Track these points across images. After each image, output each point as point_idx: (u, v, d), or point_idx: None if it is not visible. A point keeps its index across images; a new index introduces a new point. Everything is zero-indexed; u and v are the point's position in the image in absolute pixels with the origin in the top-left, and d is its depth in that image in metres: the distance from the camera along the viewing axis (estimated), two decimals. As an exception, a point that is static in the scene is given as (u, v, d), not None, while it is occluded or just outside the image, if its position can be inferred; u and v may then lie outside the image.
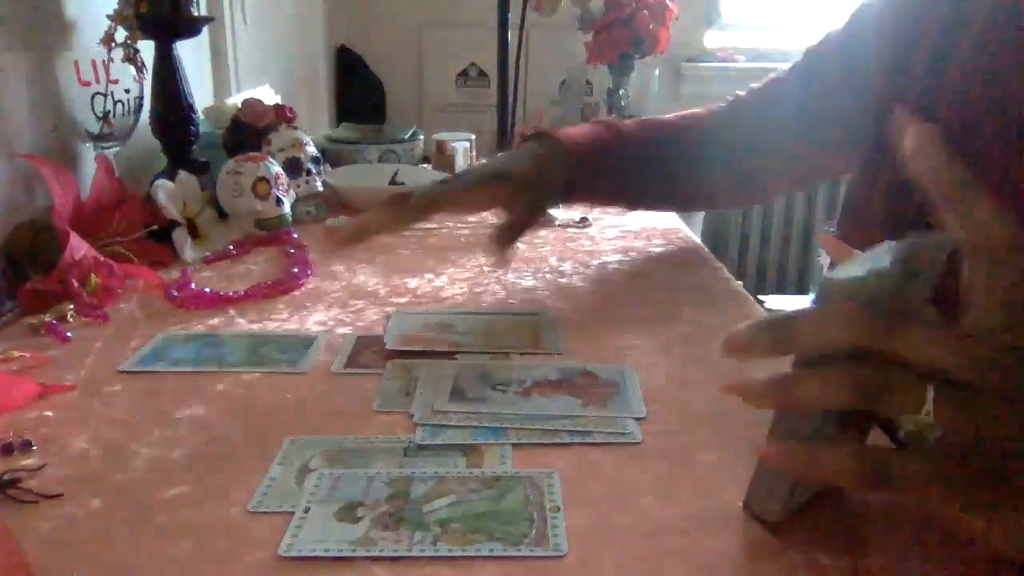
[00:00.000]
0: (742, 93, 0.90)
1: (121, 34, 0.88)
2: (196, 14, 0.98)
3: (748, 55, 2.95)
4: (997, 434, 0.31)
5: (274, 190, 0.96)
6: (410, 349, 0.66)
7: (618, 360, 0.65)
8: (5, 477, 0.46)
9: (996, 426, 0.31)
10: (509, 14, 1.72)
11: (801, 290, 2.81)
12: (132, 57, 0.90)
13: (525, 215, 0.75)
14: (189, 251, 0.89)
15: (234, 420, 0.55)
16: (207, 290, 0.78)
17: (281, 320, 0.73)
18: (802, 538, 0.43)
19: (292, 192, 1.01)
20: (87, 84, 0.91)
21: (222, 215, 0.98)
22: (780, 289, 2.83)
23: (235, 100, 1.20)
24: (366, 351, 0.66)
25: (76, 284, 0.73)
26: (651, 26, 2.45)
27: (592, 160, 0.82)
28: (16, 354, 0.63)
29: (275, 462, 0.49)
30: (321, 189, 1.08)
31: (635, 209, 1.04)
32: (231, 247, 0.93)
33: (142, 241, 0.87)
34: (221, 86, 1.44)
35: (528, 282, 0.84)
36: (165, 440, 0.52)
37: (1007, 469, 0.32)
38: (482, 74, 2.86)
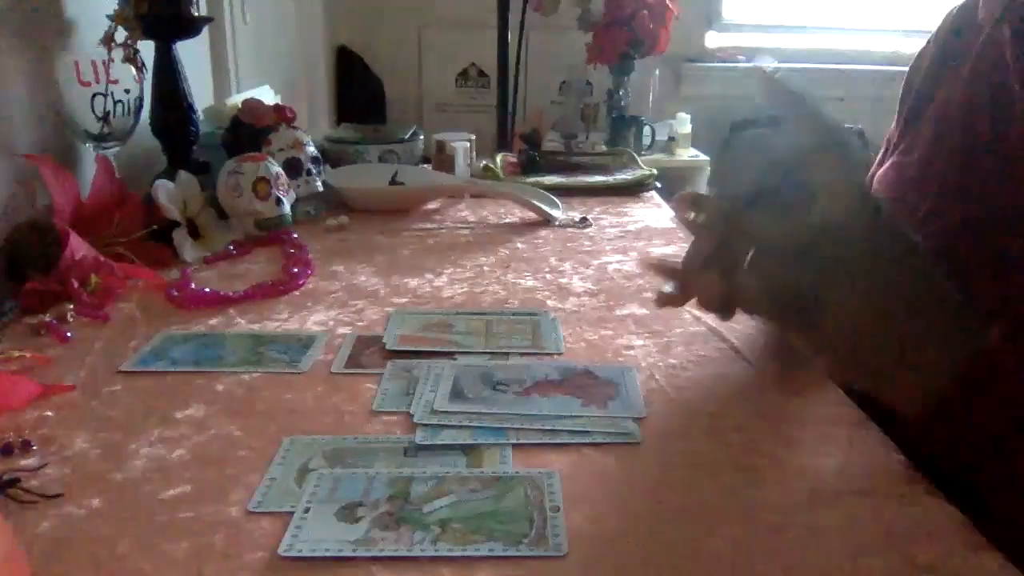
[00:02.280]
0: None
1: (121, 34, 0.88)
2: (196, 14, 0.98)
3: (748, 55, 2.95)
4: (786, 283, 0.47)
5: (274, 190, 0.96)
6: (410, 349, 0.66)
7: (618, 360, 0.65)
8: (5, 477, 0.46)
9: (784, 279, 0.47)
10: (509, 14, 1.72)
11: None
12: (132, 57, 0.90)
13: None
14: (189, 251, 0.89)
15: (234, 420, 0.55)
16: (207, 290, 0.78)
17: (281, 320, 0.73)
18: (800, 538, 0.43)
19: (292, 192, 1.01)
20: (87, 84, 0.91)
21: (222, 215, 0.98)
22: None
23: (235, 100, 1.20)
24: (366, 351, 0.66)
25: (76, 284, 0.73)
26: (651, 26, 2.45)
27: None
28: (16, 354, 0.63)
29: (275, 462, 0.49)
30: (321, 189, 1.08)
31: None
32: (231, 247, 0.93)
33: (142, 241, 0.87)
34: (221, 86, 1.44)
35: (528, 282, 0.84)
36: (165, 440, 0.52)
37: (791, 302, 0.47)
38: (482, 74, 2.86)
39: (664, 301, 0.58)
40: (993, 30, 0.61)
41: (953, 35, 0.68)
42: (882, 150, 0.73)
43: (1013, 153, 0.56)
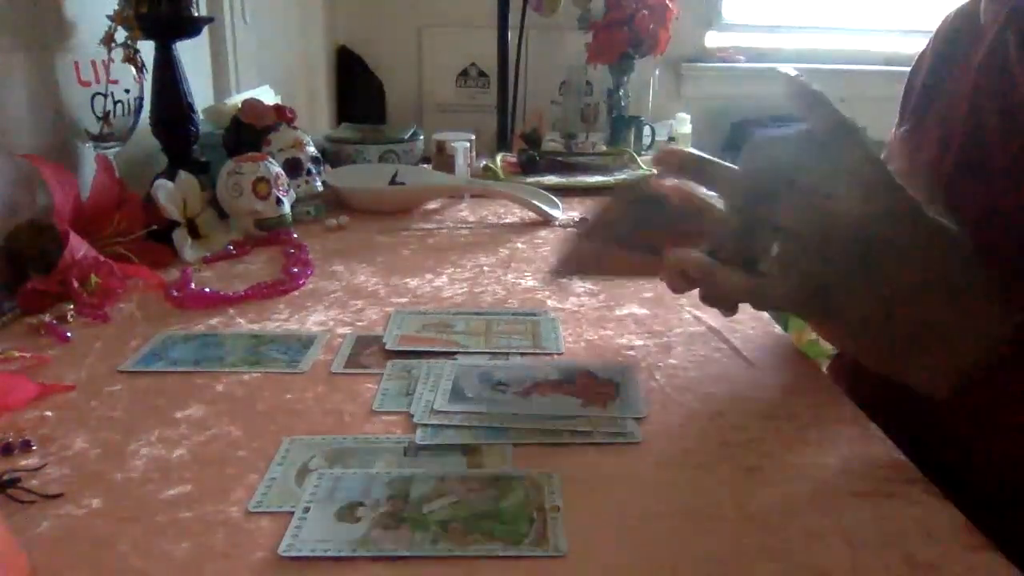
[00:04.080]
0: None
1: (121, 34, 0.88)
2: (196, 14, 0.98)
3: (748, 55, 2.95)
4: (812, 272, 0.47)
5: (274, 190, 0.96)
6: (410, 349, 0.66)
7: (618, 360, 0.65)
8: (5, 477, 0.46)
9: (810, 268, 0.47)
10: (509, 14, 1.72)
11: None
12: (132, 57, 0.90)
13: None
14: (189, 251, 0.89)
15: (234, 420, 0.55)
16: (207, 290, 0.78)
17: (281, 320, 0.73)
18: (800, 538, 0.43)
19: (292, 192, 1.01)
20: (87, 84, 0.91)
21: (222, 215, 0.98)
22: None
23: (235, 100, 1.20)
24: (366, 351, 0.66)
25: (76, 284, 0.73)
26: (651, 26, 2.44)
27: None
28: (16, 354, 0.63)
29: (275, 462, 0.49)
30: (321, 189, 1.08)
31: None
32: (231, 247, 0.93)
33: (142, 241, 0.87)
34: (221, 86, 1.44)
35: (528, 282, 0.84)
36: (165, 440, 0.52)
37: (815, 291, 0.48)
38: (482, 74, 2.86)
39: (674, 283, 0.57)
40: (997, 36, 0.61)
41: (953, 38, 0.68)
42: (884, 153, 0.73)
43: (1022, 163, 0.56)
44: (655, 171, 0.55)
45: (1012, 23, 0.60)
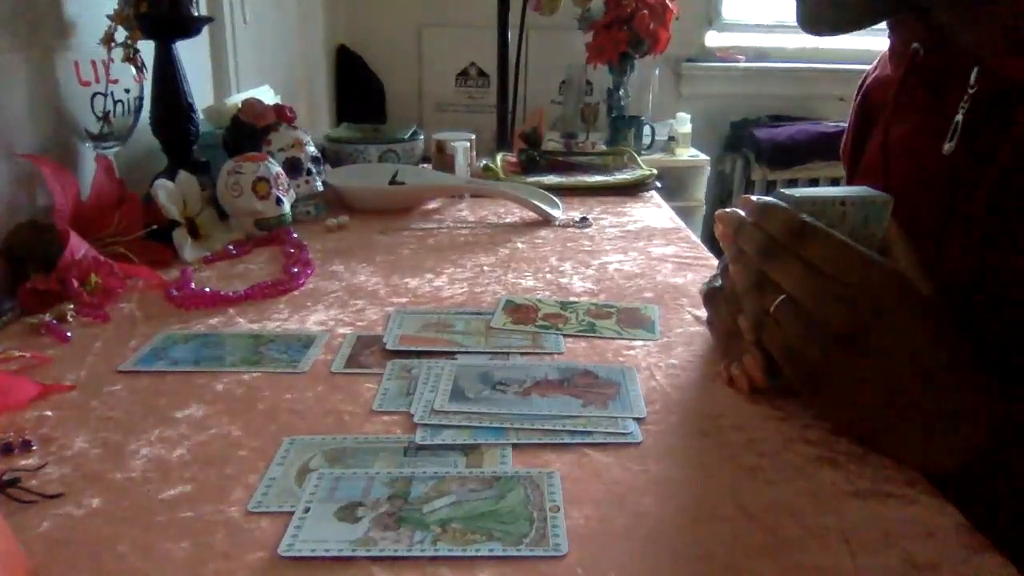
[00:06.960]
0: None
1: (121, 34, 0.88)
2: (196, 14, 0.98)
3: (748, 55, 2.95)
4: (799, 344, 0.50)
5: (274, 190, 0.96)
6: (410, 349, 0.66)
7: (618, 360, 0.65)
8: (5, 477, 0.46)
9: (798, 339, 0.50)
10: (509, 14, 1.72)
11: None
12: (132, 57, 0.90)
13: None
14: (189, 251, 0.89)
15: (234, 420, 0.55)
16: (207, 290, 0.78)
17: (281, 320, 0.73)
18: (800, 538, 0.43)
19: (292, 192, 1.01)
20: (87, 84, 0.91)
21: (222, 215, 0.98)
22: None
23: (235, 100, 1.20)
24: (366, 351, 0.66)
25: (76, 284, 0.73)
26: (651, 26, 2.45)
27: None
28: (16, 354, 0.63)
29: (275, 462, 0.49)
30: (321, 189, 1.08)
31: None
32: (231, 247, 0.93)
33: (142, 241, 0.87)
34: (221, 86, 1.44)
35: (528, 282, 0.84)
36: (165, 440, 0.52)
37: (800, 362, 0.51)
38: (482, 74, 2.86)
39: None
40: (903, 80, 0.62)
41: (869, 97, 0.70)
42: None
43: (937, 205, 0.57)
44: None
45: (914, 71, 0.61)
